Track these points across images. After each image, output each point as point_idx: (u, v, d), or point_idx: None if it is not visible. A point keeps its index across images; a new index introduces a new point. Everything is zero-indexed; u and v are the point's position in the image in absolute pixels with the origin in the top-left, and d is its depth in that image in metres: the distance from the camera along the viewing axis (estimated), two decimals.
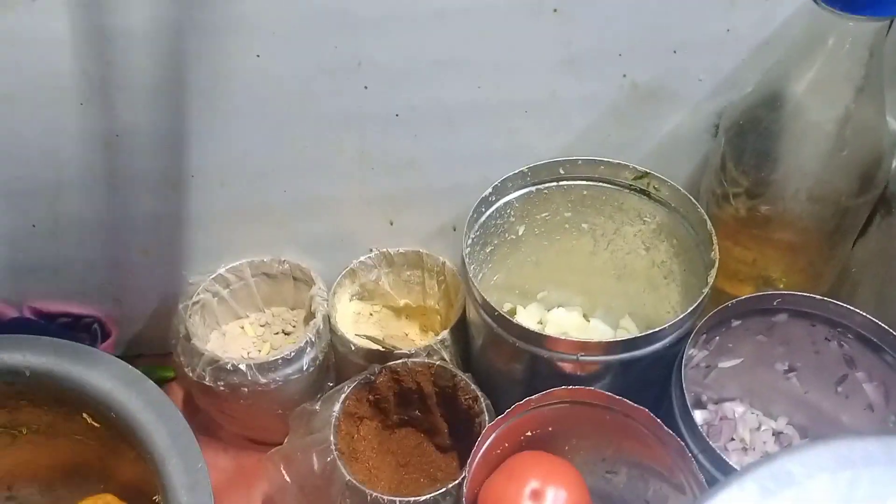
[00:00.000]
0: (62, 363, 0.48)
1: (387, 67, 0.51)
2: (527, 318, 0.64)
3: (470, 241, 0.54)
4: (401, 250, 0.63)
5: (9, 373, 0.49)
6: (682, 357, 0.48)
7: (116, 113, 0.52)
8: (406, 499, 0.48)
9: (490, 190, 0.55)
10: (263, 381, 0.55)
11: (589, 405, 0.49)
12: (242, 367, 0.54)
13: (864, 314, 0.48)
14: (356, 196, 0.60)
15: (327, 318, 0.59)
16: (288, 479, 0.52)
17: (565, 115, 0.56)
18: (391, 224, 0.62)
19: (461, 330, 0.59)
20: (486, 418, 0.52)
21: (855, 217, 0.52)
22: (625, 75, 0.53)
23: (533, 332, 0.47)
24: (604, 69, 0.52)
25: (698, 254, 0.53)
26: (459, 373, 0.55)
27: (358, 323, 0.64)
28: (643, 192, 0.56)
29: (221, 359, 0.55)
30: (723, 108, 0.55)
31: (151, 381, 0.48)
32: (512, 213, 0.58)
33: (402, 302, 0.66)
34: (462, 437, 0.56)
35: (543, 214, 0.59)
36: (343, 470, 0.49)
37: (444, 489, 0.49)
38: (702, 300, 0.48)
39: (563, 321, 0.65)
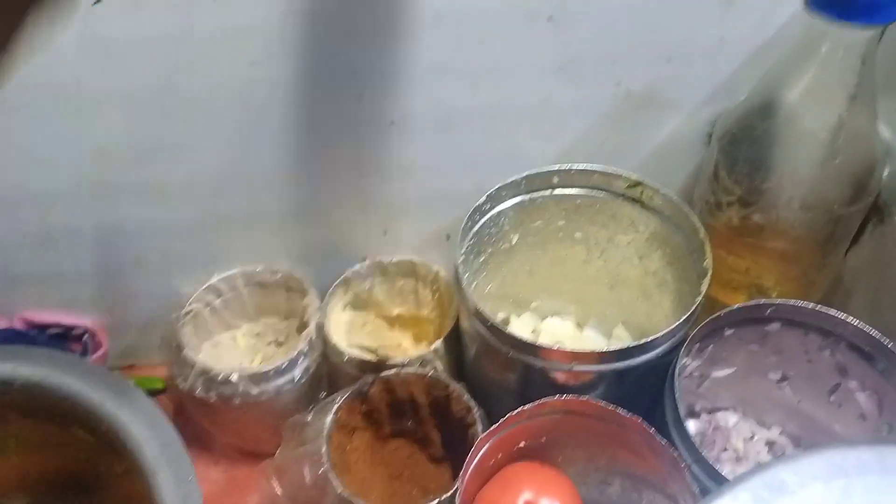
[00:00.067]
0: (52, 374, 0.48)
1: (381, 75, 0.52)
2: (521, 327, 0.64)
3: (463, 251, 0.54)
4: (394, 259, 0.63)
5: None
6: (676, 367, 0.48)
7: (110, 122, 0.52)
8: None
9: (484, 198, 0.54)
10: (255, 391, 0.55)
11: (582, 415, 0.49)
12: (234, 377, 0.54)
13: (857, 323, 0.48)
14: (350, 204, 0.60)
15: (320, 328, 0.59)
16: (280, 491, 0.52)
17: (560, 123, 0.56)
18: (385, 233, 0.62)
19: (455, 339, 0.59)
20: (480, 429, 0.52)
21: (847, 225, 0.52)
22: (619, 83, 0.53)
23: (526, 341, 0.47)
24: (598, 76, 0.53)
25: (691, 262, 0.53)
26: (453, 383, 0.54)
27: (351, 332, 0.64)
28: (637, 200, 0.56)
29: (213, 369, 0.55)
30: (716, 116, 0.55)
31: (142, 393, 0.48)
32: (506, 221, 0.58)
33: (395, 311, 0.66)
34: (455, 447, 0.56)
35: (537, 223, 0.59)
36: (335, 482, 0.49)
37: (436, 500, 0.49)
38: (695, 309, 0.48)
39: (556, 330, 0.65)
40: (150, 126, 0.53)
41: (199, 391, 0.55)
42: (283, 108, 0.53)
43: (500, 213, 0.57)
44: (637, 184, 0.55)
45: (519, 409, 0.48)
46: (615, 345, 0.61)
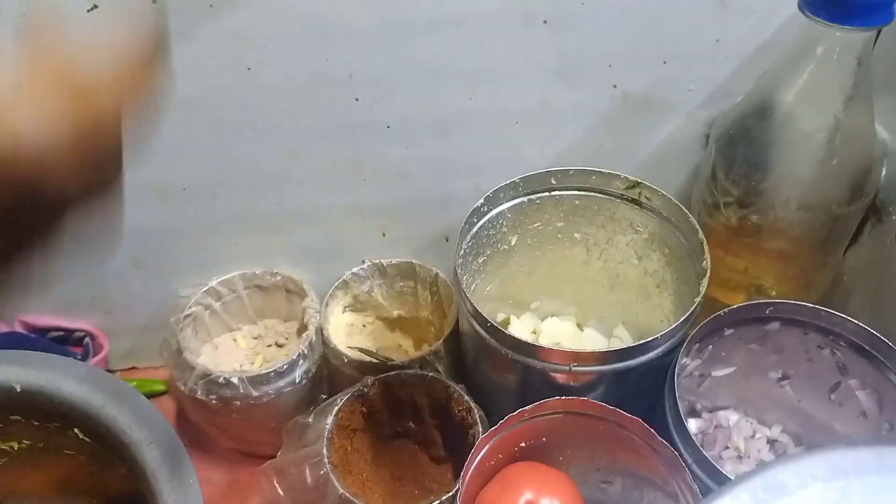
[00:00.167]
0: (53, 378, 0.48)
1: (378, 79, 0.52)
2: (520, 327, 0.64)
3: (462, 252, 0.54)
4: (394, 261, 0.63)
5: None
6: (676, 366, 0.48)
7: None
8: None
9: (482, 201, 0.55)
10: (256, 394, 0.55)
11: (582, 415, 0.49)
12: (234, 380, 0.54)
13: (857, 322, 0.49)
14: (349, 207, 0.60)
15: (320, 331, 0.59)
16: (281, 492, 0.52)
17: (557, 125, 0.56)
18: (384, 235, 0.62)
19: (454, 341, 0.59)
20: (480, 430, 0.52)
21: (846, 225, 0.52)
22: (615, 85, 0.53)
23: (525, 342, 0.47)
24: (595, 79, 0.53)
25: (690, 263, 0.53)
26: (452, 384, 0.54)
27: (351, 334, 0.64)
28: (635, 201, 0.56)
29: (213, 372, 0.55)
30: (713, 117, 0.55)
31: (142, 396, 0.48)
32: (504, 223, 0.58)
33: (395, 313, 0.66)
34: (456, 448, 0.56)
35: (536, 224, 0.59)
36: (336, 483, 0.49)
37: (437, 501, 0.49)
38: (694, 309, 0.48)
39: (556, 330, 0.65)
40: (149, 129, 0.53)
41: (199, 394, 0.55)
42: (280, 111, 0.53)
43: (498, 214, 0.57)
44: (635, 185, 0.55)
45: (519, 410, 0.48)
46: (614, 346, 0.61)
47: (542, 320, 0.66)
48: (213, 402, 0.55)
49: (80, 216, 0.20)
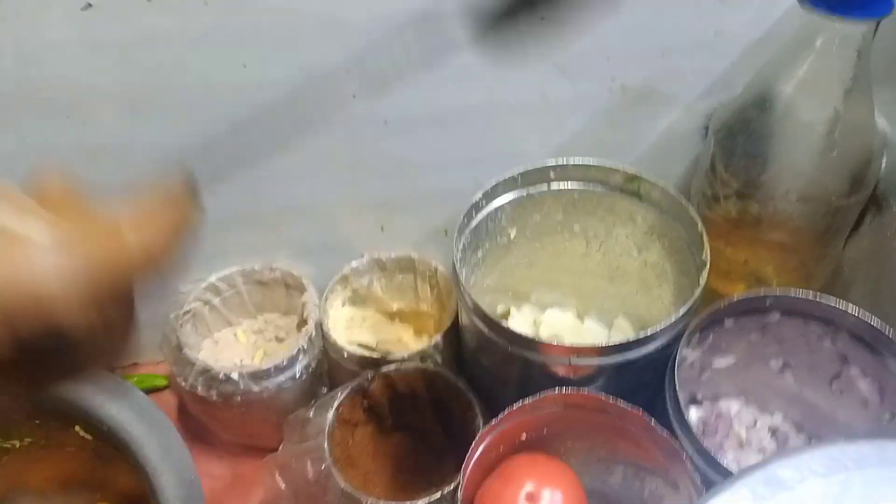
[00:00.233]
0: None
1: (374, 74, 0.51)
2: (521, 319, 0.64)
3: (461, 247, 0.54)
4: (393, 255, 0.63)
5: None
6: (675, 359, 0.48)
7: (102, 125, 0.52)
8: (402, 503, 0.48)
9: (480, 195, 0.54)
10: (256, 389, 0.55)
11: (583, 408, 0.49)
12: (235, 375, 0.54)
13: (857, 312, 0.48)
14: (347, 202, 0.60)
15: (319, 325, 0.59)
16: (283, 486, 0.52)
17: (556, 118, 0.56)
18: (382, 229, 0.62)
19: (455, 334, 0.59)
20: (481, 423, 0.52)
21: (846, 217, 0.52)
22: (614, 78, 0.53)
23: (525, 336, 0.47)
24: (593, 72, 0.53)
25: (690, 254, 0.53)
26: (453, 377, 0.55)
27: (351, 328, 0.64)
28: (634, 194, 0.56)
29: (213, 368, 0.55)
30: (713, 109, 0.55)
31: (142, 393, 0.48)
32: (503, 216, 0.58)
33: (394, 306, 0.66)
34: (458, 440, 0.56)
35: (535, 217, 0.59)
36: (338, 477, 0.49)
37: (439, 494, 0.49)
38: (694, 302, 0.48)
39: (557, 322, 0.65)
40: (144, 127, 0.53)
41: (199, 390, 0.55)
42: (276, 108, 0.52)
43: (497, 208, 0.56)
44: (634, 177, 0.55)
45: (519, 403, 0.48)
46: (615, 338, 0.61)
47: (543, 312, 0.65)
48: (214, 397, 0.55)
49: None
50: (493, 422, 0.48)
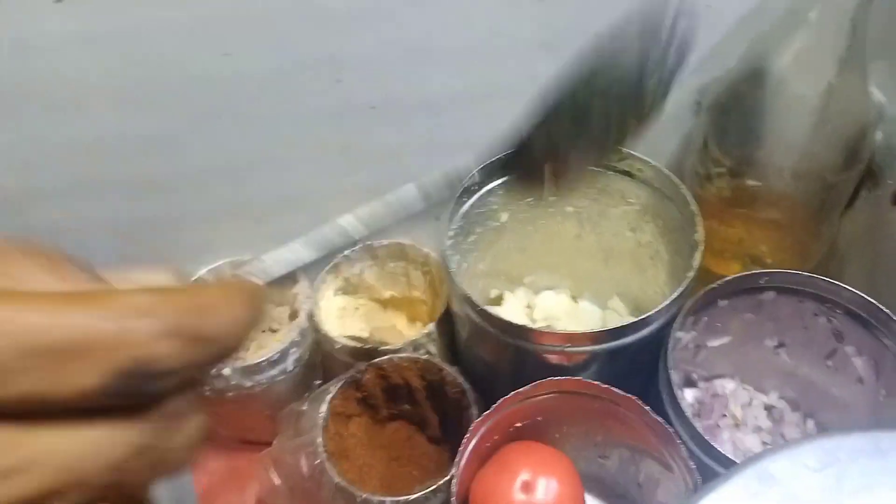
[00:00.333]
0: None
1: (360, 59, 0.50)
2: (515, 303, 0.64)
3: (452, 234, 0.53)
4: (384, 242, 0.62)
5: None
6: (669, 344, 0.48)
7: (87, 119, 0.51)
8: (396, 498, 0.48)
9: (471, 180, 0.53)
10: (249, 384, 0.55)
11: (577, 394, 0.49)
12: (226, 371, 0.54)
13: (852, 289, 0.48)
14: (337, 190, 0.59)
15: (311, 316, 0.59)
16: (278, 481, 0.52)
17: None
18: None
19: (448, 321, 0.58)
20: (475, 411, 0.52)
21: (840, 193, 0.51)
22: None
23: (517, 325, 0.46)
24: (582, 51, 0.51)
25: (683, 234, 0.52)
26: (446, 366, 0.54)
27: (343, 318, 0.63)
28: (626, 173, 0.55)
29: None
30: (705, 84, 0.54)
31: None
32: (494, 201, 0.57)
33: (387, 294, 0.65)
34: (452, 428, 0.55)
35: (527, 200, 0.58)
36: (332, 472, 0.49)
37: (434, 486, 0.48)
38: (688, 284, 0.47)
39: (551, 304, 0.64)
40: (129, 121, 0.52)
41: None
42: (261, 97, 0.51)
43: (488, 192, 0.56)
44: (626, 156, 0.54)
45: (513, 392, 0.47)
46: (609, 319, 0.60)
47: (537, 295, 0.65)
48: (207, 393, 0.55)
49: None
50: (487, 412, 0.48)
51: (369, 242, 0.62)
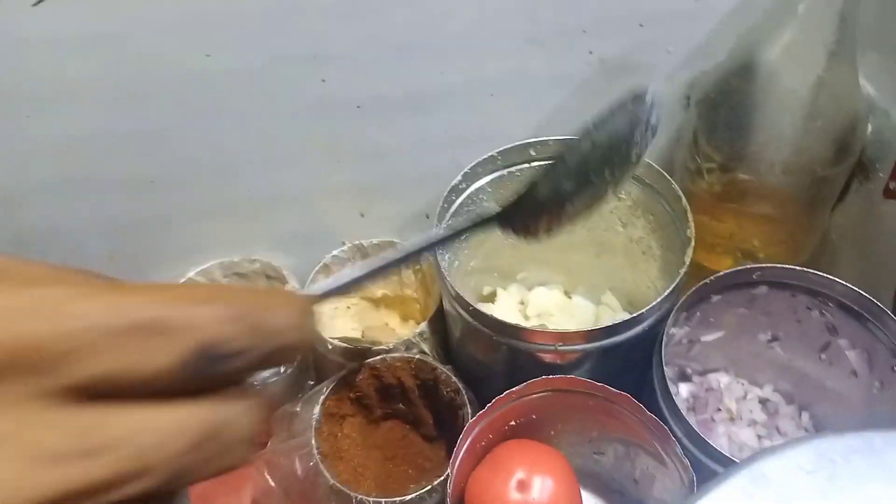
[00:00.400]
0: None
1: (344, 58, 0.50)
2: (507, 299, 0.63)
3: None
4: (374, 241, 0.62)
5: None
6: (662, 341, 0.48)
7: (69, 119, 0.50)
8: (391, 499, 0.48)
9: (460, 177, 0.53)
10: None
11: (571, 392, 0.49)
12: None
13: (845, 283, 0.48)
14: (324, 189, 0.59)
15: None
16: (273, 484, 0.52)
17: (534, 95, 0.54)
18: (362, 216, 0.61)
19: (440, 320, 0.58)
20: (469, 410, 0.52)
21: (832, 186, 0.51)
22: (591, 52, 0.51)
23: (509, 325, 0.46)
24: (569, 47, 0.51)
25: (675, 229, 0.52)
26: (440, 366, 0.54)
27: (336, 317, 0.63)
28: None
29: None
30: (695, 78, 0.53)
31: None
32: (485, 197, 0.56)
33: (379, 293, 0.65)
34: (447, 426, 0.55)
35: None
36: (326, 474, 0.49)
37: (429, 486, 0.48)
38: (679, 280, 0.47)
39: (544, 300, 0.64)
40: (114, 121, 0.51)
41: None
42: (244, 97, 0.51)
43: (478, 189, 0.55)
44: None
45: (507, 391, 0.47)
46: (602, 319, 0.60)
47: (530, 290, 0.65)
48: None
49: None
50: (480, 412, 0.47)
51: (359, 241, 0.62)
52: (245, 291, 0.19)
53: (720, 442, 0.55)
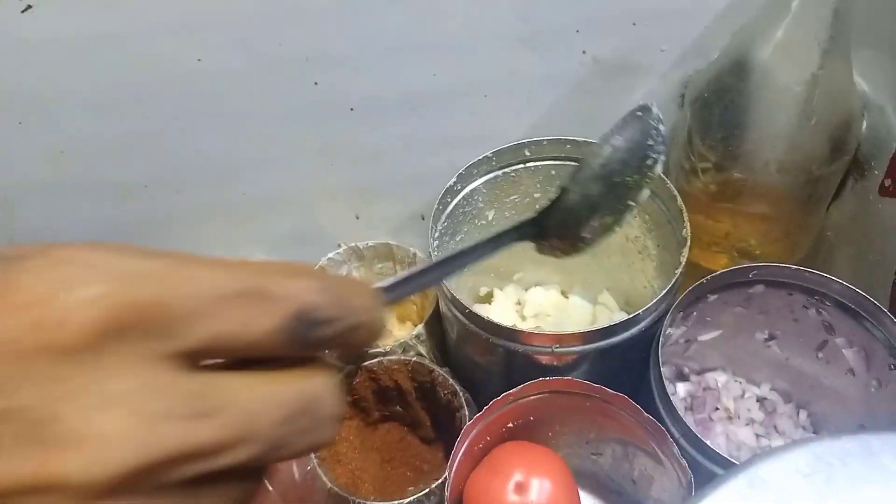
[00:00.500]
0: None
1: (336, 60, 0.49)
2: (504, 300, 0.63)
3: (438, 234, 0.52)
4: (370, 243, 0.62)
5: None
6: (658, 341, 0.47)
7: (60, 126, 0.50)
8: (390, 502, 0.48)
9: (454, 179, 0.53)
10: None
11: (568, 394, 0.49)
12: None
13: (841, 282, 0.48)
14: (319, 191, 0.59)
15: None
16: (270, 488, 0.52)
17: (527, 95, 0.54)
18: (357, 217, 0.61)
19: (437, 322, 0.58)
20: (466, 413, 0.52)
21: (827, 185, 0.51)
22: (584, 51, 0.51)
23: (506, 327, 0.46)
24: (562, 46, 0.51)
25: (671, 229, 0.52)
26: (437, 368, 0.54)
27: None
28: None
29: None
30: (689, 76, 0.53)
31: None
32: (480, 198, 0.56)
33: None
34: (445, 428, 0.55)
35: (513, 197, 0.58)
36: (324, 478, 0.49)
37: (427, 489, 0.48)
38: (676, 281, 0.47)
39: (541, 301, 0.64)
40: (109, 124, 0.51)
41: None
42: (237, 100, 0.51)
43: (473, 190, 0.55)
44: None
45: (504, 394, 0.47)
46: (599, 319, 0.60)
47: (526, 291, 0.65)
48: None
49: None
50: (478, 415, 0.47)
51: (355, 243, 0.62)
52: (323, 271, 0.20)
53: (718, 441, 0.55)
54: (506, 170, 0.55)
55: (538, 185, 0.57)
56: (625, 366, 0.50)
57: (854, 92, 0.48)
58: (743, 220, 0.52)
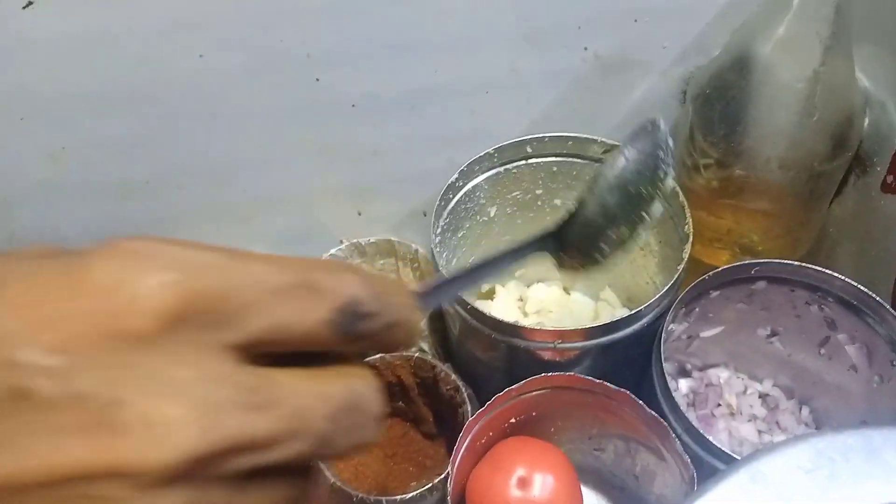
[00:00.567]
0: None
1: (338, 57, 0.49)
2: (506, 296, 0.63)
3: (439, 230, 0.52)
4: (372, 240, 0.62)
5: None
6: (661, 337, 0.48)
7: (63, 121, 0.50)
8: (392, 498, 0.48)
9: (456, 175, 0.53)
10: None
11: (570, 389, 0.49)
12: None
13: (843, 278, 0.48)
14: (320, 189, 0.59)
15: None
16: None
17: (529, 92, 0.54)
18: (359, 214, 0.61)
19: (439, 318, 0.58)
20: (468, 408, 0.52)
21: (829, 181, 0.51)
22: (586, 48, 0.51)
23: (508, 323, 0.46)
24: (564, 43, 0.51)
25: (673, 226, 0.52)
26: (439, 363, 0.54)
27: None
28: None
29: None
30: (690, 73, 0.53)
31: None
32: (482, 195, 0.56)
33: None
34: (447, 423, 0.55)
35: (514, 194, 0.58)
36: (327, 472, 0.49)
37: (430, 484, 0.48)
38: (678, 277, 0.47)
39: (543, 297, 0.64)
40: (108, 123, 0.51)
41: None
42: (238, 97, 0.51)
43: (474, 187, 0.55)
44: (612, 148, 0.53)
45: (506, 390, 0.47)
46: (601, 315, 0.60)
47: (528, 287, 0.65)
48: None
49: None
50: (480, 411, 0.47)
51: (357, 240, 0.62)
52: (362, 267, 0.21)
53: (720, 437, 0.55)
54: (507, 166, 0.56)
55: (540, 182, 0.57)
56: (627, 362, 0.50)
57: (856, 88, 0.48)
58: (745, 216, 0.52)
